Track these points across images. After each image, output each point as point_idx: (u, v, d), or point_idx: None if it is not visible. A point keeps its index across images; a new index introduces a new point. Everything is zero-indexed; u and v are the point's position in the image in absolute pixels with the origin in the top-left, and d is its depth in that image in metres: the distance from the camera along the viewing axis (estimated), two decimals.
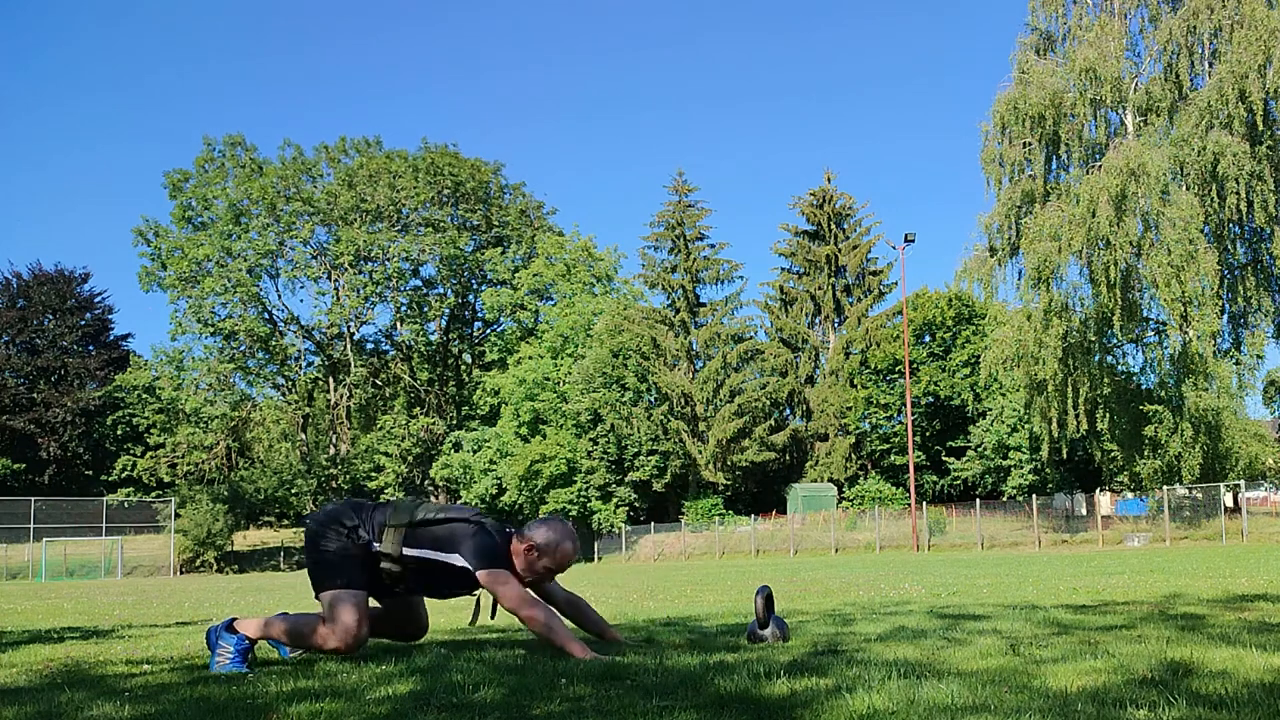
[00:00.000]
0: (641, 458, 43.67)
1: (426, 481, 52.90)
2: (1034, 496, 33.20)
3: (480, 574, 3.62)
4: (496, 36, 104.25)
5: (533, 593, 3.75)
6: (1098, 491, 33.29)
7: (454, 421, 53.37)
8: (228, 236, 50.06)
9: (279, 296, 54.77)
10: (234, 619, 3.71)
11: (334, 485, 52.28)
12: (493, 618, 3.99)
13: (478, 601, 4.01)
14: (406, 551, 3.69)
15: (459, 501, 51.42)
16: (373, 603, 3.93)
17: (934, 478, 44.10)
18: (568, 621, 3.88)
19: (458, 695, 2.67)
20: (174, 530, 47.77)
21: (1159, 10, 29.70)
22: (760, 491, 48.10)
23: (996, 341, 30.96)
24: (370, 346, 56.28)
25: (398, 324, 53.86)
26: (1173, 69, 29.15)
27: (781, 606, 5.69)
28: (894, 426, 44.74)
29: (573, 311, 47.63)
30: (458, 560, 3.65)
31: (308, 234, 51.18)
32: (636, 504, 44.60)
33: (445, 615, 6.52)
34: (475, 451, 49.05)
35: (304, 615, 3.82)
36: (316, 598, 3.77)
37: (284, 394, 54.53)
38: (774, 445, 46.39)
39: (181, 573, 45.78)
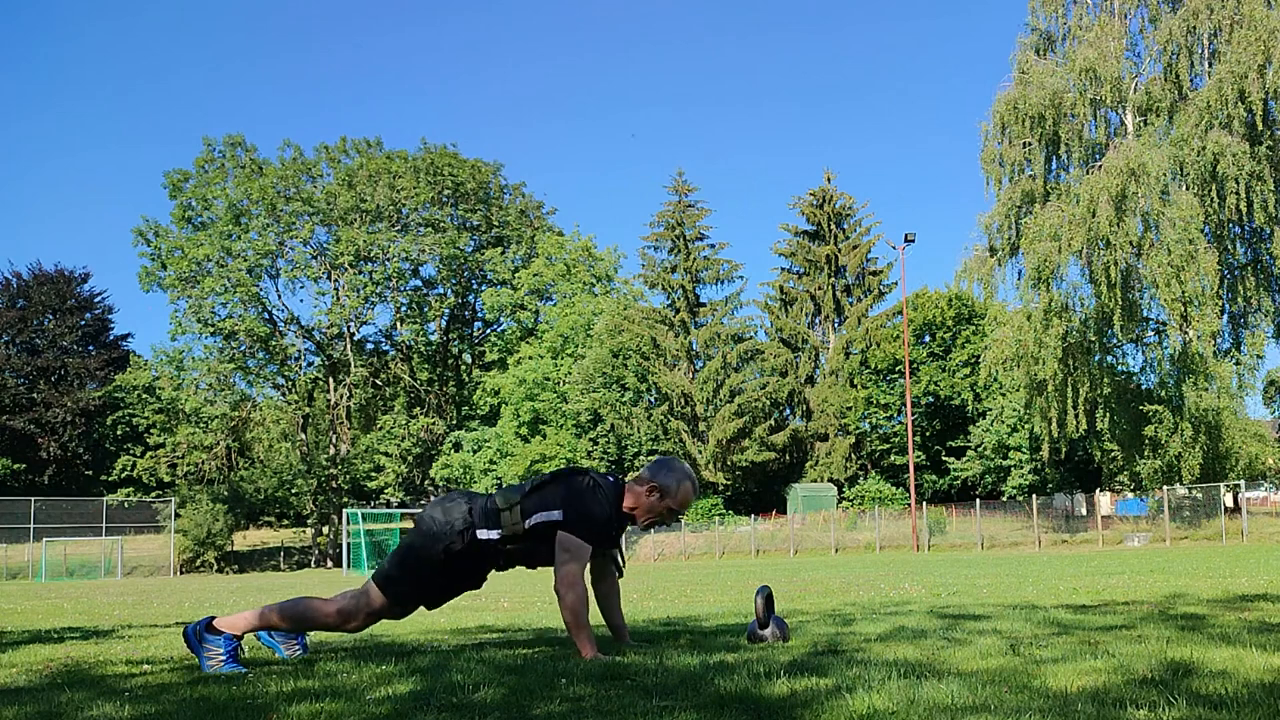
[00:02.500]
0: (641, 458, 43.66)
1: (426, 481, 52.90)
2: (1034, 496, 33.20)
3: (561, 533, 3.64)
4: (496, 36, 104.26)
5: (587, 572, 3.74)
6: (1098, 491, 33.30)
7: (454, 421, 53.37)
8: (228, 236, 50.05)
9: (279, 296, 54.80)
10: (212, 618, 3.69)
11: (334, 485, 52.28)
12: (620, 570, 3.98)
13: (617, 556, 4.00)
14: (528, 523, 3.70)
15: None
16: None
17: (934, 478, 44.09)
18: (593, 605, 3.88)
19: (458, 695, 2.67)
20: (174, 530, 47.78)
21: (1159, 10, 29.71)
22: (760, 491, 48.10)
23: (996, 341, 30.95)
24: (370, 346, 56.29)
25: (398, 324, 53.87)
26: (1172, 69, 29.16)
27: (781, 606, 5.69)
28: (894, 426, 44.73)
29: (573, 311, 47.62)
30: (558, 515, 3.67)
31: (308, 234, 51.18)
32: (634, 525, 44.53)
33: (445, 615, 6.52)
34: (475, 451, 49.05)
35: (301, 599, 3.83)
36: (377, 577, 3.78)
37: (284, 394, 54.52)
38: (774, 445, 46.38)
39: (181, 573, 45.79)
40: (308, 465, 51.73)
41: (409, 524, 51.10)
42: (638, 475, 3.84)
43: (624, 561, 4.01)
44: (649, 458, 43.44)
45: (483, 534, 3.71)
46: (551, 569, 3.70)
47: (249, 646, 3.85)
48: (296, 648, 3.91)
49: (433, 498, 52.06)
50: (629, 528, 3.90)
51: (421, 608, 3.96)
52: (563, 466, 3.91)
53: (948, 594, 7.11)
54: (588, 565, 3.72)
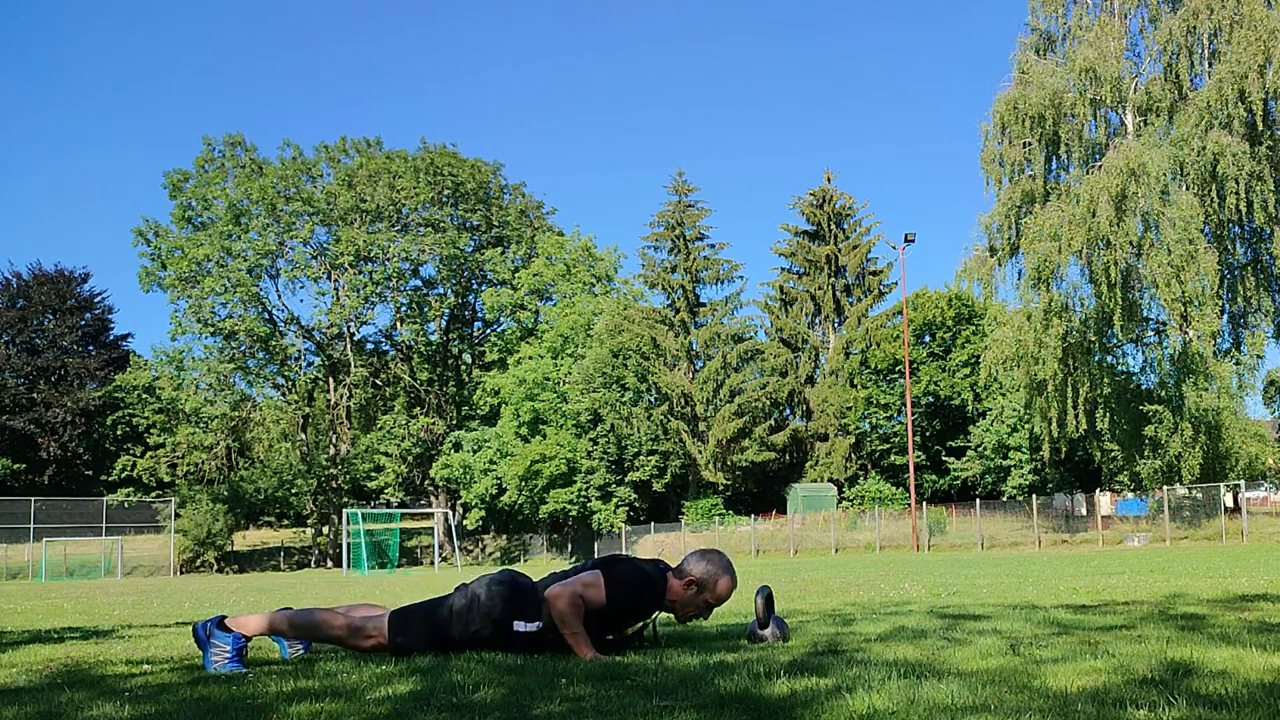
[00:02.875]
0: (641, 458, 43.66)
1: (426, 481, 52.91)
2: (1034, 496, 33.20)
3: (585, 575, 3.62)
4: (496, 36, 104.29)
5: (572, 594, 3.65)
6: (1098, 491, 33.29)
7: (454, 421, 53.37)
8: (228, 236, 50.05)
9: (279, 296, 54.80)
10: (224, 616, 3.69)
11: (334, 485, 52.28)
12: (654, 637, 3.97)
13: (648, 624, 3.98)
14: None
15: (459, 502, 51.48)
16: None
17: (934, 478, 44.09)
18: None
19: (458, 695, 2.67)
20: (174, 530, 47.78)
21: (1159, 10, 29.70)
22: (760, 491, 48.09)
23: (996, 341, 30.95)
24: (370, 346, 56.29)
25: (398, 324, 53.86)
26: (1173, 69, 29.15)
27: (781, 606, 5.69)
28: (894, 426, 44.73)
29: (573, 311, 47.62)
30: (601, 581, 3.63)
31: (308, 234, 51.18)
32: (636, 504, 44.60)
33: None
34: (475, 451, 49.05)
35: (313, 610, 3.82)
36: (394, 621, 3.72)
37: (284, 394, 54.52)
38: (774, 445, 46.38)
39: (181, 573, 45.78)
40: (308, 465, 51.73)
41: (408, 524, 51.23)
42: (678, 567, 3.82)
43: (655, 634, 3.99)
44: (649, 458, 43.47)
45: (519, 626, 3.61)
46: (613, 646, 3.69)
47: (253, 645, 3.85)
48: (299, 647, 3.91)
49: (433, 501, 51.99)
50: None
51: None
52: (613, 557, 3.81)
53: (948, 594, 7.11)
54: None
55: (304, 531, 55.10)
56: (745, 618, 4.94)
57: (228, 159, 52.53)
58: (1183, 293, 26.61)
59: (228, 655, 3.51)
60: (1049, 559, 17.73)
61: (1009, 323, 30.80)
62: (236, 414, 51.77)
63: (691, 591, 3.74)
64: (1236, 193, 26.65)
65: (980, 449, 40.96)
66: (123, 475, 55.56)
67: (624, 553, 4.01)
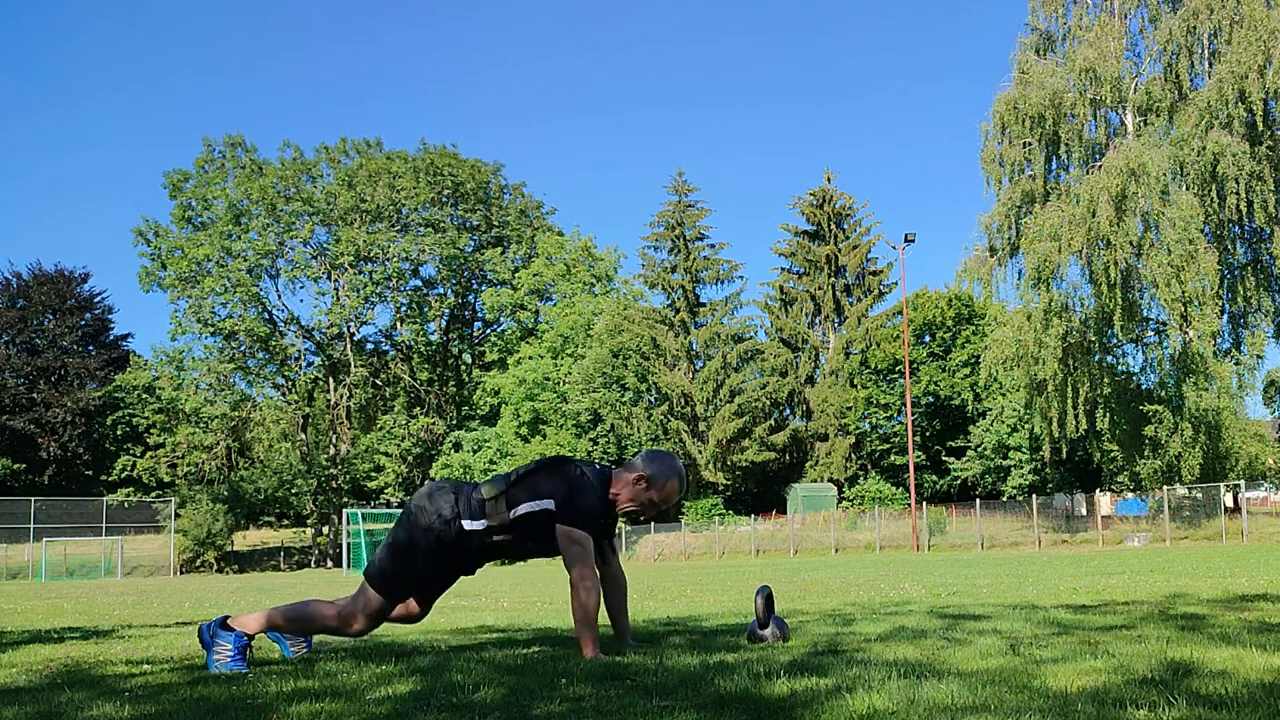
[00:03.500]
0: None
1: (426, 481, 52.87)
2: (1034, 496, 33.19)
3: (562, 527, 3.62)
4: (496, 36, 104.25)
5: (594, 566, 3.70)
6: (1098, 491, 33.29)
7: (454, 421, 53.38)
8: (228, 237, 50.06)
9: (279, 296, 54.81)
10: (227, 616, 3.71)
11: (334, 485, 52.27)
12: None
13: None
14: (518, 511, 3.68)
15: None
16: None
17: (934, 478, 44.09)
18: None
19: (458, 695, 2.67)
20: (174, 530, 47.78)
21: (1159, 10, 29.71)
22: (760, 491, 48.10)
23: (996, 341, 30.95)
24: (370, 346, 56.30)
25: (398, 324, 53.88)
26: (1173, 69, 29.16)
27: (781, 606, 5.69)
28: (894, 426, 44.73)
29: (573, 311, 47.62)
30: (550, 504, 3.65)
31: (308, 234, 51.19)
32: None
33: (445, 615, 6.53)
34: (475, 452, 49.05)
35: (307, 602, 3.84)
36: (370, 574, 3.77)
37: (284, 394, 54.53)
38: (774, 445, 46.38)
39: (181, 573, 45.79)
40: (308, 465, 51.73)
41: None
42: (629, 462, 3.82)
43: (615, 554, 4.00)
44: None
45: (468, 524, 3.70)
46: (540, 558, 3.69)
47: (255, 644, 3.85)
48: (303, 646, 3.92)
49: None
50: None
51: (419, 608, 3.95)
52: (549, 456, 3.85)
53: (948, 594, 7.11)
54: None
55: (304, 531, 55.10)
56: (745, 618, 4.94)
57: (228, 159, 52.55)
58: (1183, 293, 26.61)
59: (230, 655, 3.53)
60: (1049, 559, 17.73)
61: (1009, 323, 30.80)
62: (236, 414, 51.78)
63: (640, 486, 3.72)
64: (1236, 193, 26.65)
65: (980, 449, 40.96)
66: (123, 475, 55.55)
67: (559, 459, 4.01)
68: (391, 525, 3.97)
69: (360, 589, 3.80)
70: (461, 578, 4.02)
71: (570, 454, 42.66)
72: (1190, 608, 4.90)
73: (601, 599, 3.74)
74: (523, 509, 3.67)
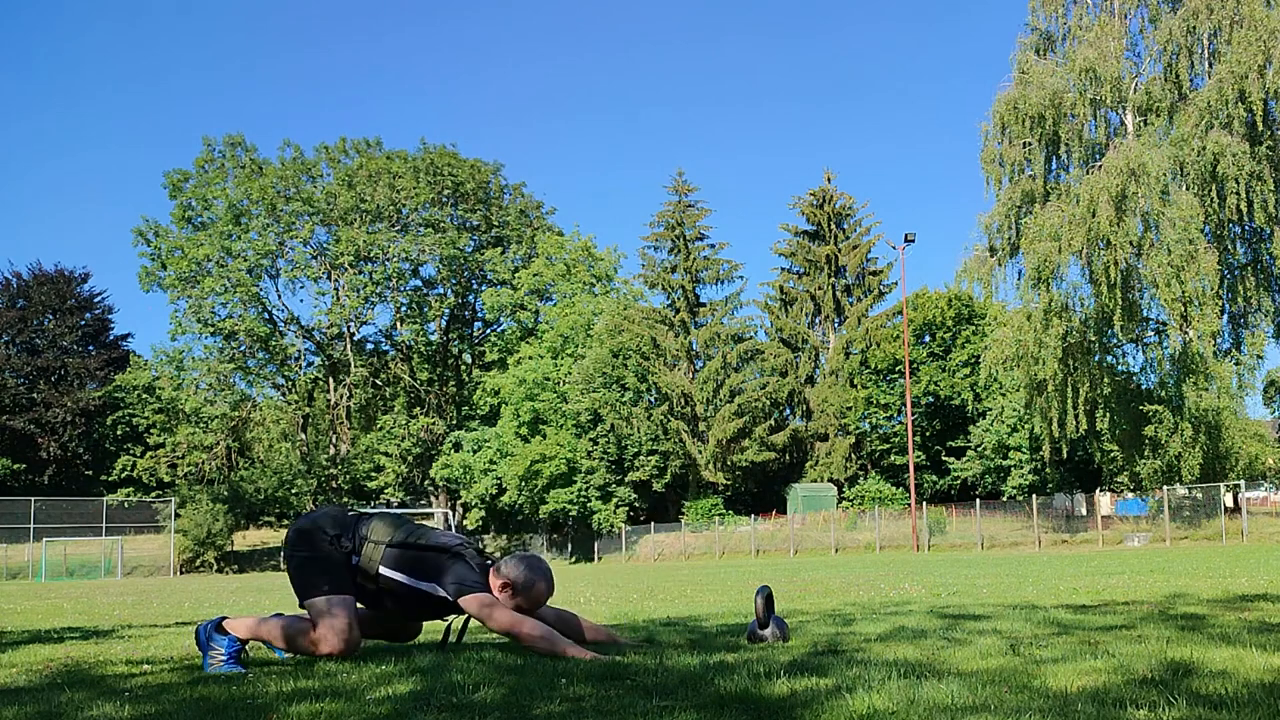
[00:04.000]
0: (641, 458, 43.66)
1: (426, 481, 52.89)
2: (1034, 496, 33.19)
3: (465, 600, 3.60)
4: (496, 36, 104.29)
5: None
6: (1098, 491, 33.29)
7: (454, 421, 53.37)
8: (228, 237, 50.06)
9: (279, 296, 54.80)
10: (224, 618, 3.70)
11: (334, 485, 52.26)
12: (459, 640, 3.98)
13: (448, 627, 3.99)
14: (383, 571, 3.67)
15: (459, 501, 51.47)
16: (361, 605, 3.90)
17: (934, 478, 44.09)
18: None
19: (458, 695, 2.67)
20: (174, 530, 47.76)
21: (1159, 10, 29.70)
22: (760, 491, 48.10)
23: (996, 341, 30.95)
24: (370, 346, 56.30)
25: (398, 324, 53.87)
26: (1172, 69, 29.15)
27: (781, 606, 5.69)
28: (894, 426, 44.73)
29: (573, 311, 47.62)
30: (437, 590, 3.65)
31: (308, 234, 51.19)
32: (636, 504, 44.60)
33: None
34: (475, 451, 49.05)
35: (298, 618, 3.80)
36: (301, 605, 3.71)
37: (284, 394, 54.52)
38: (774, 445, 46.38)
39: (181, 573, 45.78)
40: (308, 465, 51.72)
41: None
42: (495, 566, 3.76)
43: (462, 638, 3.99)
44: (649, 458, 43.46)
45: (355, 559, 3.71)
46: (396, 613, 3.74)
47: (251, 647, 3.85)
48: None
49: (433, 501, 52.07)
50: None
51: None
52: (443, 545, 3.76)
53: (948, 594, 7.11)
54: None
55: None
56: (745, 618, 4.94)
57: (228, 159, 52.54)
58: (1183, 293, 26.61)
59: (223, 659, 3.52)
60: (1049, 559, 17.72)
61: (1009, 323, 30.80)
62: (236, 414, 51.77)
63: (506, 594, 3.67)
64: (1236, 193, 26.65)
65: (980, 449, 40.96)
66: (123, 475, 55.54)
67: (451, 546, 3.98)
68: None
69: (311, 619, 3.68)
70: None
71: (572, 455, 42.68)
72: (1190, 608, 4.90)
73: (545, 624, 3.66)
74: (396, 577, 3.66)
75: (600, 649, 3.63)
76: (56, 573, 41.21)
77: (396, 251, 51.05)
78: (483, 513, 49.30)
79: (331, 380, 53.92)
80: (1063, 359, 29.01)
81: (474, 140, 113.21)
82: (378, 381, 55.99)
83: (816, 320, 50.62)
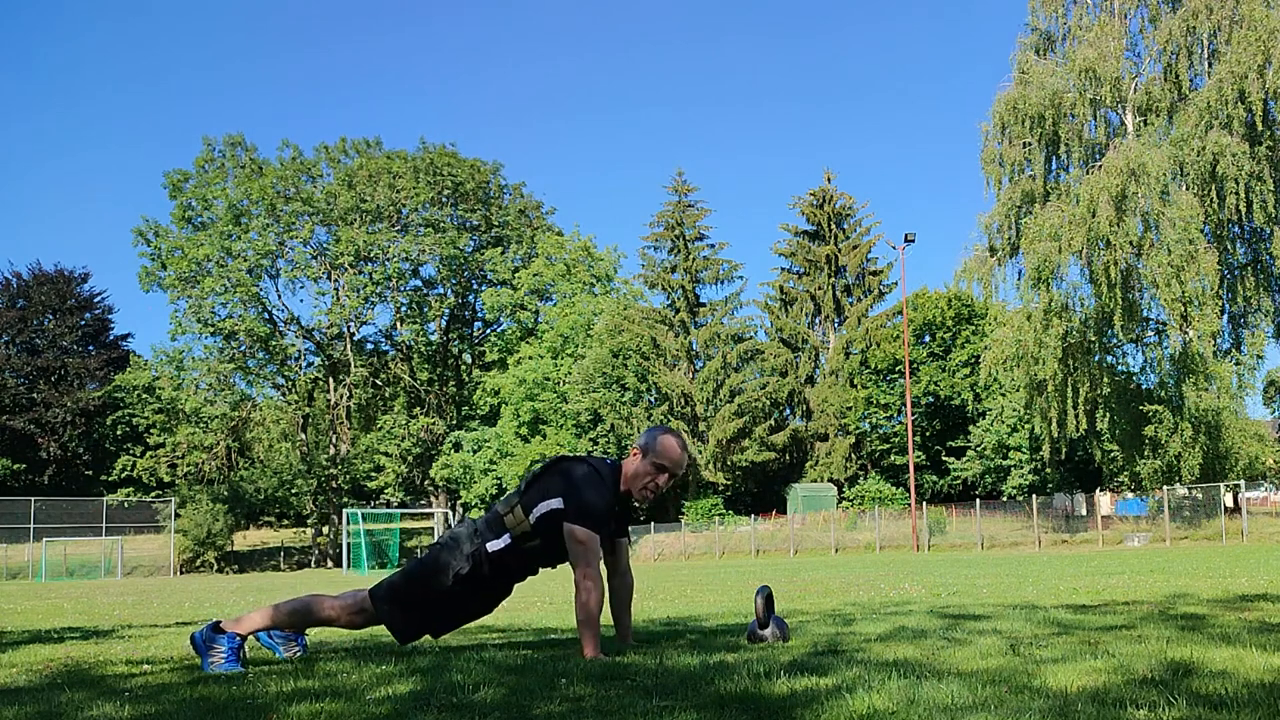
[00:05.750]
0: None
1: (426, 481, 52.90)
2: (1034, 496, 33.19)
3: (567, 525, 3.59)
4: (496, 36, 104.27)
5: (603, 564, 3.70)
6: (1098, 491, 33.29)
7: (454, 421, 53.37)
8: (228, 237, 50.07)
9: (279, 296, 54.81)
10: (218, 621, 3.70)
11: (334, 485, 52.26)
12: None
13: None
14: (533, 517, 3.66)
15: (459, 501, 51.49)
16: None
17: (934, 478, 44.09)
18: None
19: (458, 695, 2.67)
20: (174, 530, 47.78)
21: (1159, 10, 29.71)
22: (760, 491, 48.10)
23: (996, 341, 30.95)
24: (370, 346, 56.30)
25: (398, 324, 53.88)
26: (1172, 69, 29.16)
27: (782, 606, 5.69)
28: (894, 426, 44.74)
29: (573, 311, 47.62)
30: (559, 503, 3.63)
31: (308, 234, 51.19)
32: (636, 504, 44.56)
33: None
34: (475, 452, 49.04)
35: (304, 596, 3.84)
36: (379, 604, 3.77)
37: (284, 394, 54.53)
38: (774, 445, 46.38)
39: (181, 573, 45.79)
40: (308, 465, 51.73)
41: (408, 524, 51.26)
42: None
43: (628, 554, 3.99)
44: None
45: (493, 545, 3.70)
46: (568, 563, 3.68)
47: (250, 647, 3.85)
48: (296, 648, 3.91)
49: (433, 501, 52.13)
50: (635, 509, 3.87)
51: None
52: (558, 456, 3.83)
53: (948, 594, 7.11)
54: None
55: (304, 531, 55.10)
56: (745, 618, 4.94)
57: (228, 159, 52.55)
58: (1183, 293, 26.61)
59: (224, 655, 3.52)
60: (1049, 559, 17.73)
61: (1009, 323, 30.80)
62: (236, 414, 51.78)
63: (638, 459, 3.71)
64: (1236, 193, 26.66)
65: (980, 449, 40.96)
66: (123, 475, 55.55)
67: (567, 458, 4.04)
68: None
69: (366, 600, 3.79)
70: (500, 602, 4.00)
71: (572, 453, 42.39)
72: (1190, 608, 4.90)
73: (606, 598, 3.73)
74: (539, 510, 3.66)
75: (605, 645, 3.63)
76: (56, 573, 41.21)
77: (396, 251, 51.07)
78: (482, 513, 49.25)
79: (331, 380, 53.93)
80: (1063, 359, 29.01)
81: (474, 140, 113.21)
82: (378, 381, 56.01)
83: (816, 320, 50.63)
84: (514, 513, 3.70)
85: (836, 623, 4.67)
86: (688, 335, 47.60)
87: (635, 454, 3.73)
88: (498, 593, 3.88)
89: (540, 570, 3.87)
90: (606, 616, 3.88)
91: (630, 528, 4.04)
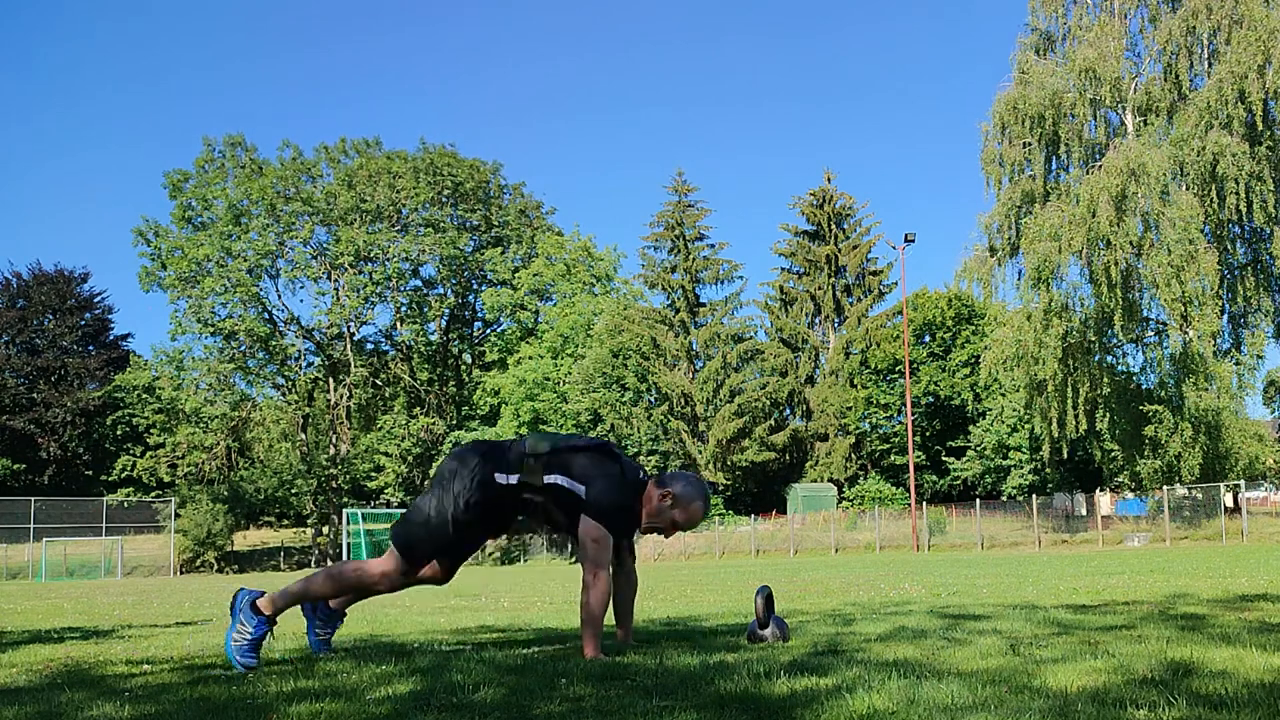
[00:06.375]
0: (641, 458, 43.64)
1: (426, 481, 52.85)
2: (1034, 496, 33.20)
3: (586, 519, 3.58)
4: (496, 36, 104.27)
5: (609, 566, 3.68)
6: (1098, 491, 33.29)
7: (454, 421, 53.35)
8: (228, 237, 50.04)
9: (279, 296, 54.74)
10: (262, 594, 3.66)
11: (334, 485, 52.25)
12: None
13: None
14: (547, 479, 3.65)
15: None
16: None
17: (934, 478, 44.09)
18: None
19: (458, 695, 2.67)
20: (174, 530, 47.77)
21: (1159, 10, 29.71)
22: (760, 491, 48.10)
23: (996, 341, 30.95)
24: (370, 346, 56.27)
25: (398, 324, 53.86)
26: (1172, 69, 29.16)
27: (782, 606, 5.69)
28: (894, 426, 44.74)
29: (573, 311, 47.61)
30: (582, 491, 3.61)
31: (308, 234, 51.17)
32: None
33: (445, 615, 6.52)
34: None
35: (336, 566, 3.82)
36: (397, 541, 3.73)
37: (284, 394, 54.51)
38: (774, 445, 46.39)
39: (181, 573, 45.78)
40: (308, 465, 51.71)
41: None
42: (659, 477, 3.80)
43: (633, 555, 3.99)
44: (649, 458, 43.42)
45: (500, 478, 3.68)
46: (562, 535, 3.68)
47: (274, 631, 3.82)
48: (326, 631, 3.95)
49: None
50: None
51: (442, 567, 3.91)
52: (602, 441, 3.83)
53: (948, 594, 7.11)
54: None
55: (304, 531, 55.08)
56: (745, 618, 4.94)
57: (228, 159, 52.53)
58: (1183, 293, 26.61)
59: (246, 640, 3.50)
60: (1049, 559, 17.73)
61: (1009, 323, 30.80)
62: (236, 414, 51.75)
63: (666, 503, 3.70)
64: (1236, 193, 26.66)
65: (980, 449, 40.96)
66: (123, 475, 55.53)
67: (609, 449, 4.07)
68: (407, 508, 3.95)
69: (388, 553, 3.78)
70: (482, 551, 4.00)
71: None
72: (1190, 608, 4.90)
73: (611, 598, 3.73)
74: (557, 480, 3.64)
75: (605, 646, 3.63)
76: (56, 573, 41.21)
77: (396, 251, 51.05)
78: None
79: (331, 380, 53.91)
80: (1063, 359, 29.01)
81: (474, 140, 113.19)
82: (378, 381, 55.98)
83: (816, 320, 50.64)
84: (536, 460, 3.67)
85: (836, 623, 4.67)
86: (688, 335, 47.60)
87: (667, 495, 3.71)
88: (492, 524, 3.82)
89: (520, 523, 3.85)
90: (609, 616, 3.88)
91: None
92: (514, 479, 3.67)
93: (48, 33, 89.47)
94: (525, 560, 48.20)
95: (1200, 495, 28.44)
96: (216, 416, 50.78)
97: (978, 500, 34.99)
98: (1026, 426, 36.39)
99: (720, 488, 45.73)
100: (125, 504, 52.41)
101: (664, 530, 3.76)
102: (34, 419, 55.90)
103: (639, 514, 3.76)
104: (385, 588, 3.78)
